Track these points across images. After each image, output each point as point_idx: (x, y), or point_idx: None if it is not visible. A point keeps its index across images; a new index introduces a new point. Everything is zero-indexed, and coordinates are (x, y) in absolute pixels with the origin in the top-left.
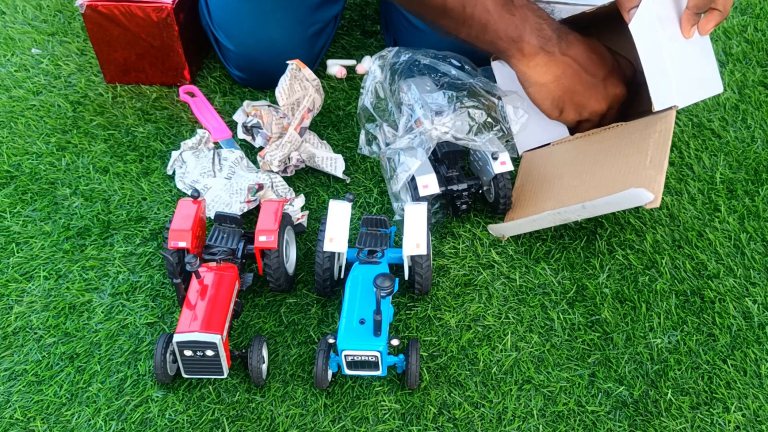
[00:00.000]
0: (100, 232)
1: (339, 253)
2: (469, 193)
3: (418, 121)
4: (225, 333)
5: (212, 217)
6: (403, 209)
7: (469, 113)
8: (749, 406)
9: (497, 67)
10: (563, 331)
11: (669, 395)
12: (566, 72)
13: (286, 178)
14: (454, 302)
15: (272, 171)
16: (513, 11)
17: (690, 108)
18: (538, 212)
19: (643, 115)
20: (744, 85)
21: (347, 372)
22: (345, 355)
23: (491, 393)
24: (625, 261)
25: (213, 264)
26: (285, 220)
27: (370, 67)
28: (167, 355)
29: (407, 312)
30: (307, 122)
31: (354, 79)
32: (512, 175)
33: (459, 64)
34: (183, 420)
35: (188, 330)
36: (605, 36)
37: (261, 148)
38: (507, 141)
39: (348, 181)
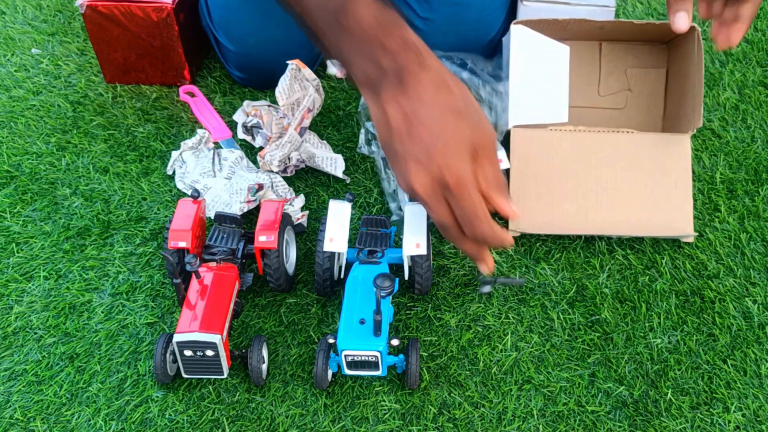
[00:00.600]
0: (100, 232)
1: (339, 253)
2: None
3: None
4: (225, 333)
5: (212, 217)
6: (401, 209)
7: None
8: (749, 406)
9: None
10: (563, 331)
11: (669, 395)
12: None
13: (286, 178)
14: (454, 302)
15: (272, 171)
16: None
17: None
18: (557, 212)
19: None
20: (744, 85)
21: (347, 372)
22: (345, 355)
23: (491, 393)
24: (625, 261)
25: (213, 264)
26: (285, 220)
27: None
28: (167, 355)
29: (407, 312)
30: (307, 122)
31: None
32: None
33: (467, 63)
34: (183, 420)
35: (188, 330)
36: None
37: (261, 148)
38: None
39: (348, 181)
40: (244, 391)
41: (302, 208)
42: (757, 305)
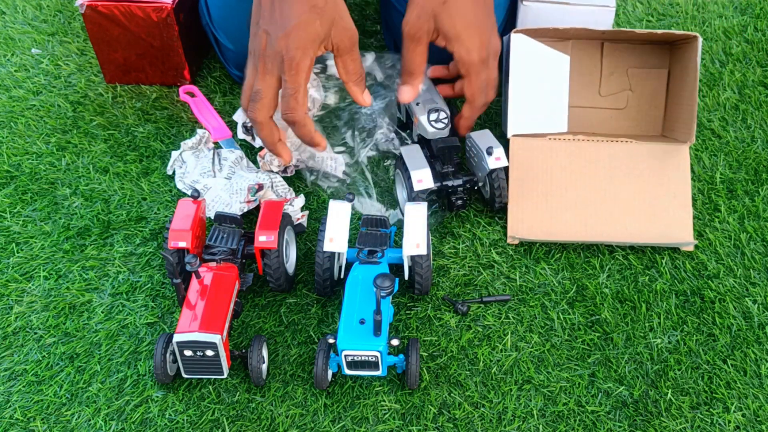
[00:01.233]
0: (100, 232)
1: (339, 253)
2: (465, 189)
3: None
4: (225, 333)
5: (212, 217)
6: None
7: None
8: (749, 406)
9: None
10: (563, 331)
11: (669, 395)
12: None
13: (286, 178)
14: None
15: (272, 171)
16: None
17: None
18: (556, 220)
19: None
20: (744, 85)
21: (347, 372)
22: (345, 355)
23: (491, 393)
24: (625, 261)
25: (213, 264)
26: (285, 220)
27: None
28: (167, 355)
29: (407, 312)
30: None
31: None
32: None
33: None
34: (183, 420)
35: (188, 330)
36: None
37: (261, 148)
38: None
39: (348, 181)
40: (244, 391)
41: (302, 208)
42: (757, 305)
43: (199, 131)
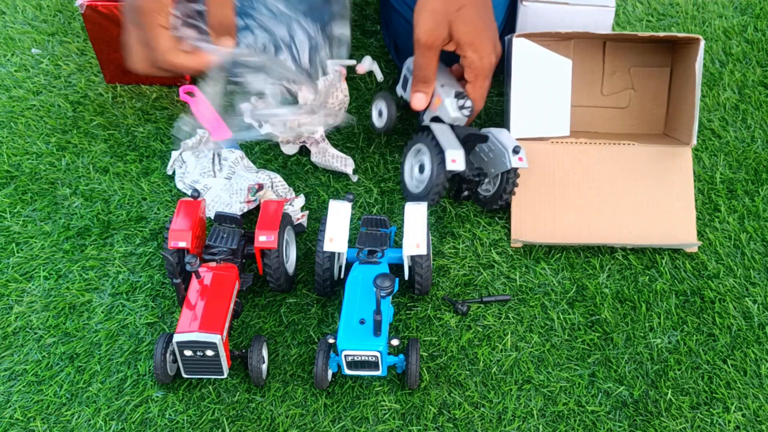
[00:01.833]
0: (100, 232)
1: (339, 253)
2: (474, 182)
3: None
4: (225, 333)
5: (212, 217)
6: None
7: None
8: (749, 406)
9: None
10: (563, 331)
11: (669, 395)
12: None
13: (286, 179)
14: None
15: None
16: None
17: None
18: (559, 223)
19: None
20: (744, 85)
21: (347, 372)
22: (345, 355)
23: (491, 393)
24: (625, 261)
25: (213, 264)
26: (285, 220)
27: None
28: (167, 355)
29: (407, 312)
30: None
31: (354, 79)
32: None
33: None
34: (183, 420)
35: (188, 330)
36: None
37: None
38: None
39: (355, 180)
40: (244, 391)
41: (302, 208)
42: (757, 305)
43: (199, 131)
